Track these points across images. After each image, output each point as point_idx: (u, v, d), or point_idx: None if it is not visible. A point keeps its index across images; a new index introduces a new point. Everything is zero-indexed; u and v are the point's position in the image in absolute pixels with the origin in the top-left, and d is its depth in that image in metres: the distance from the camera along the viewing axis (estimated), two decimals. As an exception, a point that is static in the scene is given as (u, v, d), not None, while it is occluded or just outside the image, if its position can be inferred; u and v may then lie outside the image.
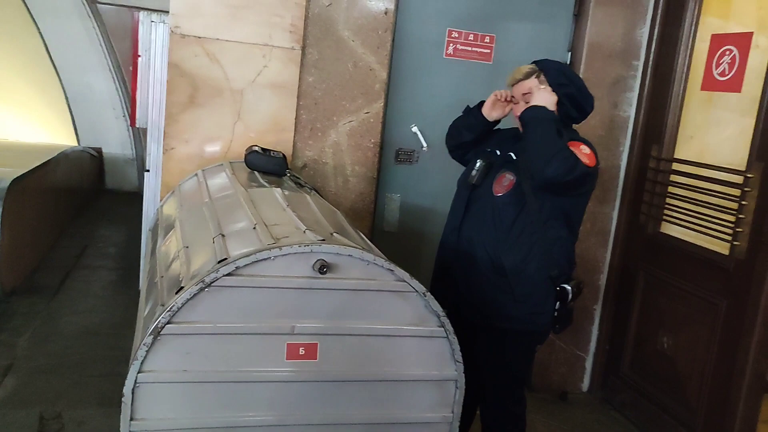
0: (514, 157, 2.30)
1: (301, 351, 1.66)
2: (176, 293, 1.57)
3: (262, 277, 1.60)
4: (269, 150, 2.74)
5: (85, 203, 6.66)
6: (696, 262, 3.02)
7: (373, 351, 1.71)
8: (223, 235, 1.82)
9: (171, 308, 1.54)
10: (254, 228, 1.80)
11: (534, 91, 2.27)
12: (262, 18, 2.90)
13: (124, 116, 7.05)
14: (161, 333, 1.54)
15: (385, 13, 3.05)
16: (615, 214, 3.53)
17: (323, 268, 1.61)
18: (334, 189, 3.14)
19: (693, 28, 3.14)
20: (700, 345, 2.98)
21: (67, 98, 7.17)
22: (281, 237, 1.71)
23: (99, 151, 7.26)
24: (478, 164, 2.34)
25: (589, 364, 3.69)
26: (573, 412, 3.49)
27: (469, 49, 3.27)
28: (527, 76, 2.32)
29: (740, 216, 2.77)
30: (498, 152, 2.37)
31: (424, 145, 3.28)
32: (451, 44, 3.25)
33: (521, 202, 2.21)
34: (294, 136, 3.05)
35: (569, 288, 2.27)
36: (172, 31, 2.85)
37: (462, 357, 1.79)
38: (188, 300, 1.55)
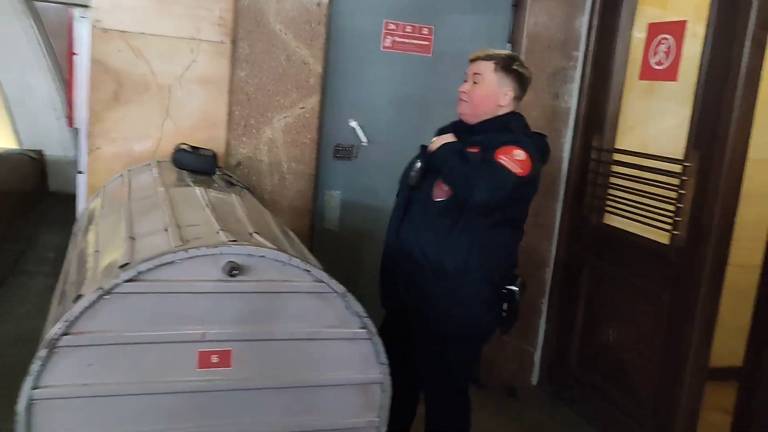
0: None
1: (214, 359, 1.57)
2: (74, 301, 1.47)
3: (167, 282, 1.50)
4: (198, 148, 2.63)
5: (25, 207, 6.42)
6: (639, 252, 3.01)
7: (292, 356, 1.63)
8: (132, 238, 1.71)
9: (67, 318, 1.43)
10: (166, 230, 1.70)
11: (474, 87, 2.21)
12: (188, 11, 2.78)
13: (65, 117, 6.80)
14: (57, 345, 1.43)
15: (318, 4, 2.96)
16: (559, 206, 3.51)
17: (233, 270, 1.51)
18: (270, 187, 3.04)
19: (630, 17, 3.12)
20: (645, 336, 2.96)
21: (5, 99, 6.89)
22: (192, 239, 1.61)
23: (40, 153, 7.00)
24: (417, 165, 2.23)
25: (537, 359, 3.66)
26: (522, 407, 3.46)
27: (408, 41, 3.20)
28: (488, 58, 2.22)
29: (679, 205, 2.76)
30: None
31: (364, 140, 3.20)
32: (389, 36, 3.17)
33: (461, 208, 2.11)
34: (227, 133, 2.93)
35: (516, 289, 2.22)
36: (93, 26, 2.72)
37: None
38: (86, 308, 1.44)
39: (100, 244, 1.87)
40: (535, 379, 3.67)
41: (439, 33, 3.23)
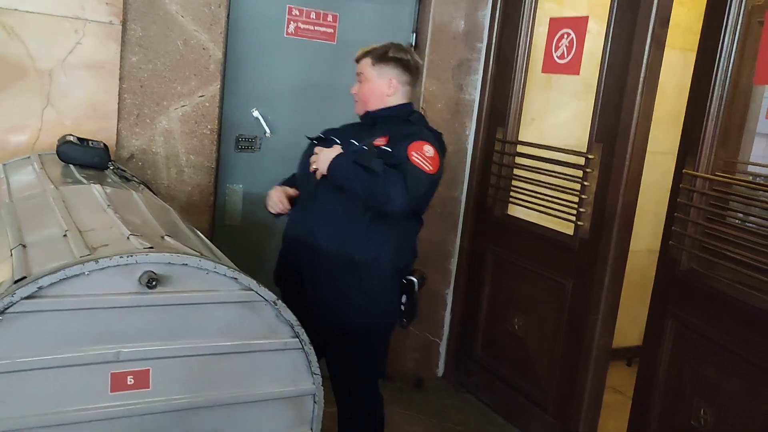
0: (359, 146, 2.17)
1: (130, 380, 1.39)
2: (-42, 325, 1.24)
3: (74, 298, 1.30)
4: (87, 140, 2.37)
5: None
6: (542, 243, 3.07)
7: (218, 371, 1.48)
8: (24, 246, 1.49)
9: (-51, 346, 1.21)
10: (65, 235, 1.49)
11: (360, 86, 2.27)
12: (71, -14, 2.51)
13: None
14: (-64, 379, 1.21)
15: (218, -15, 2.77)
16: (463, 198, 3.53)
17: (152, 281, 1.35)
18: (167, 182, 2.82)
19: (532, 11, 3.17)
20: (548, 324, 3.04)
21: None
22: (99, 246, 1.42)
23: None
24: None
25: (443, 349, 3.68)
26: (429, 398, 3.46)
27: (312, 28, 3.07)
28: (365, 54, 2.28)
29: (583, 197, 2.84)
30: (356, 143, 2.18)
31: (267, 130, 3.05)
32: (292, 22, 3.03)
33: None
34: (118, 124, 2.68)
35: (415, 279, 2.21)
36: (-45, -1, 2.38)
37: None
38: (-26, 333, 1.23)
39: (-20, 253, 1.62)
40: (441, 369, 3.69)
41: (344, 21, 3.13)
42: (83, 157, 2.28)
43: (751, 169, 3.20)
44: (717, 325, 2.28)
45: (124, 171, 2.41)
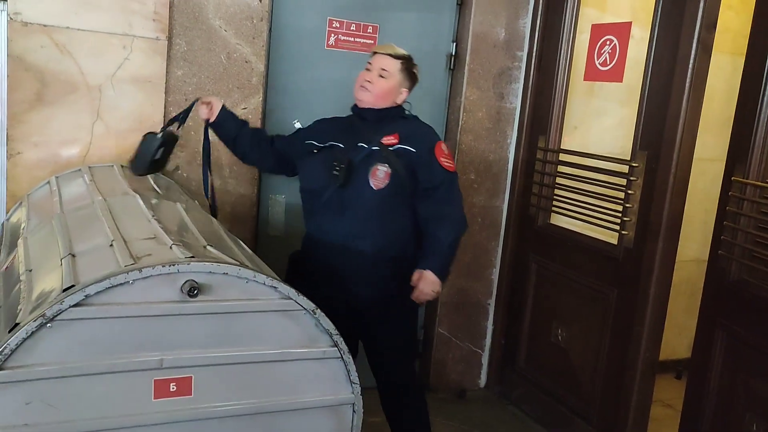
0: (369, 147, 2.29)
1: (173, 387, 1.42)
2: (10, 331, 1.29)
3: (119, 306, 1.34)
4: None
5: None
6: (586, 252, 3.02)
7: (258, 380, 1.50)
8: (73, 255, 1.54)
9: (3, 351, 1.26)
10: (111, 245, 1.54)
11: (380, 80, 2.33)
12: (118, 4, 2.59)
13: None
14: (-10, 382, 1.26)
15: (260, 0, 2.82)
16: (505, 207, 3.49)
17: (193, 290, 1.38)
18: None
19: (573, 18, 3.13)
20: (592, 335, 2.98)
21: None
22: (143, 255, 1.46)
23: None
24: (338, 167, 2.27)
25: (485, 360, 3.64)
26: (472, 410, 3.43)
27: (352, 39, 3.10)
28: (397, 57, 2.35)
29: (627, 205, 2.78)
30: (342, 145, 2.35)
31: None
32: (333, 34, 3.06)
33: (400, 189, 2.28)
34: (163, 136, 2.75)
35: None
36: (11, 18, 2.48)
37: None
38: (25, 339, 1.27)
39: (32, 263, 1.68)
40: (483, 380, 3.65)
41: (384, 31, 3.14)
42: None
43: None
44: (769, 337, 2.21)
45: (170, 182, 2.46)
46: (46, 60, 2.54)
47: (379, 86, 2.33)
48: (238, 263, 1.49)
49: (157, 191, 2.29)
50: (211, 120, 2.40)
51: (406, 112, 2.43)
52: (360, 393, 1.61)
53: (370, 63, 2.37)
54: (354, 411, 1.61)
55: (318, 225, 2.39)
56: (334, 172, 2.26)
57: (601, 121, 3.06)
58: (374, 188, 2.26)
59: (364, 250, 2.29)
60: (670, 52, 2.60)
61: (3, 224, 2.44)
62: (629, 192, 2.78)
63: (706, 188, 3.01)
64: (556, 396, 3.20)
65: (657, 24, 2.68)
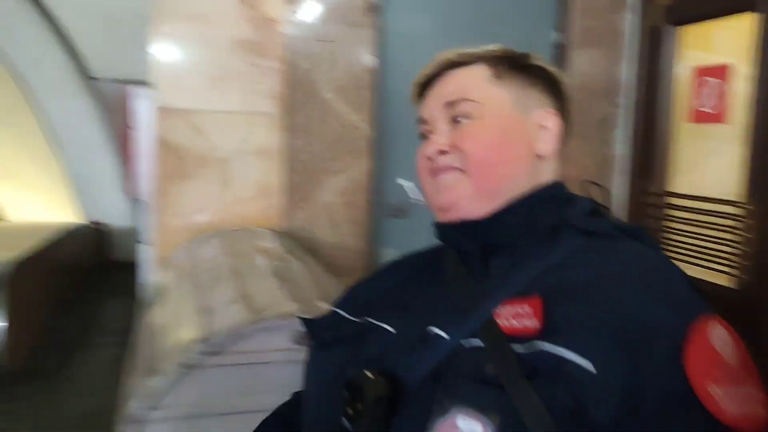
0: (453, 341, 0.84)
1: (289, 427, 1.59)
2: (155, 376, 1.53)
3: (242, 354, 1.55)
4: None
5: (88, 278, 6.65)
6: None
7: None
8: (206, 311, 1.78)
9: (152, 393, 1.49)
10: (236, 301, 1.76)
11: (484, 98, 0.97)
12: (243, 86, 2.93)
13: (122, 188, 7.08)
14: (142, 420, 1.49)
15: (368, 71, 3.07)
16: (616, 252, 3.46)
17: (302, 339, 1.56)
18: (329, 249, 3.11)
19: (674, 61, 3.14)
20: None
21: (66, 174, 7.23)
22: (262, 309, 1.67)
23: (100, 224, 7.28)
24: (352, 402, 0.85)
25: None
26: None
27: (453, 99, 3.27)
28: (482, 59, 1.01)
29: (742, 248, 2.71)
30: (443, 333, 0.86)
31: (417, 197, 3.26)
32: (435, 97, 3.24)
33: None
34: (283, 200, 3.03)
35: None
36: (157, 105, 2.88)
37: None
38: (171, 383, 1.50)
39: (171, 317, 1.95)
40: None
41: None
42: None
43: None
44: None
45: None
46: (183, 139, 2.91)
47: (474, 139, 0.96)
48: (344, 315, 1.66)
49: (280, 252, 2.54)
50: None
51: (571, 210, 0.96)
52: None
53: (423, 120, 1.06)
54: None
55: None
56: (346, 413, 0.85)
57: (708, 163, 3.01)
58: None
59: None
60: (776, 90, 2.56)
61: (151, 285, 2.79)
62: (746, 235, 2.70)
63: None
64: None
65: (761, 62, 2.64)
